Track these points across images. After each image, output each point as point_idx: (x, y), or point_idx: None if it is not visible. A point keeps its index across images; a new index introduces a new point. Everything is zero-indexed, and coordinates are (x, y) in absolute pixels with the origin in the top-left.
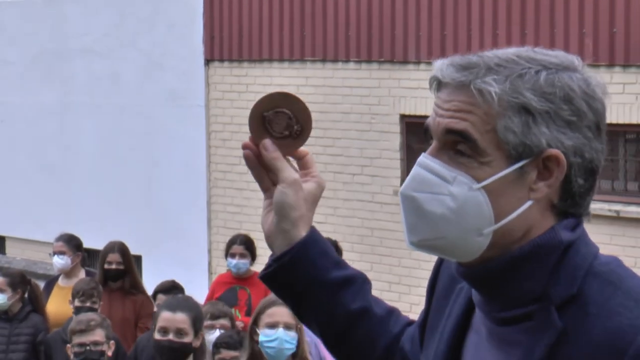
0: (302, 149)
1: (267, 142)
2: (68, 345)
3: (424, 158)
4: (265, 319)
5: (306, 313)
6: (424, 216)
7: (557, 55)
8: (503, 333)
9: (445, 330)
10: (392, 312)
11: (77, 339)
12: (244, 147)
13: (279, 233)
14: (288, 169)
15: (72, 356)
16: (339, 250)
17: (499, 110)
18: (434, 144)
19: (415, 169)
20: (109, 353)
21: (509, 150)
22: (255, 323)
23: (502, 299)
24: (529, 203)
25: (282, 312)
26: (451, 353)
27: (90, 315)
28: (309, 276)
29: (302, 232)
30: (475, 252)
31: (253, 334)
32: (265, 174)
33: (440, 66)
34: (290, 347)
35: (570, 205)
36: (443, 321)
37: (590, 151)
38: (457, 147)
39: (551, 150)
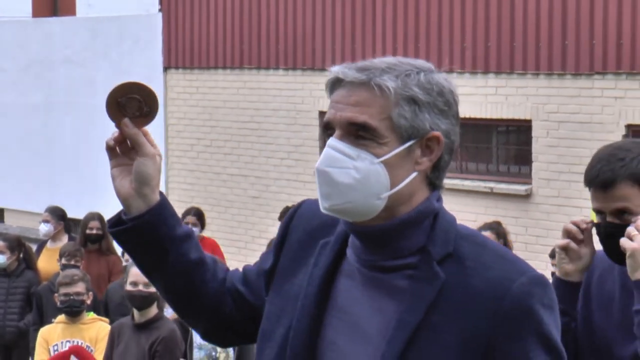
0: (144, 129)
1: (127, 120)
2: (55, 294)
3: (332, 141)
4: None
5: (155, 266)
6: (335, 186)
7: (422, 62)
8: (383, 279)
9: (315, 275)
10: (216, 260)
11: (62, 290)
12: (109, 141)
13: (139, 197)
14: (148, 145)
15: (58, 304)
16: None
17: (394, 101)
18: (337, 132)
19: (326, 150)
20: (88, 302)
21: (402, 133)
22: None
23: (387, 251)
24: (414, 174)
25: None
26: (321, 294)
27: (73, 271)
28: (162, 231)
29: (158, 197)
30: (373, 213)
31: None
32: (121, 153)
33: (340, 69)
34: None
35: (437, 177)
36: (308, 269)
37: (454, 134)
38: (358, 133)
39: (434, 132)
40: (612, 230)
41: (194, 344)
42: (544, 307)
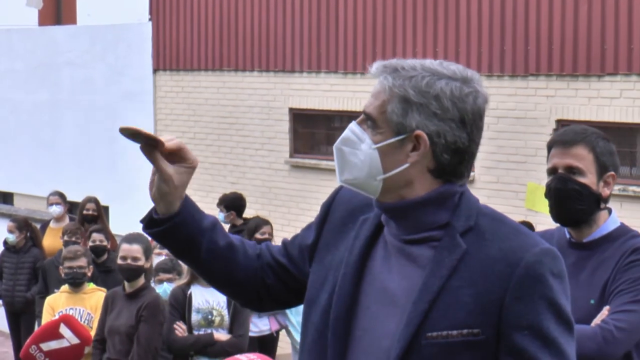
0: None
1: (162, 139)
2: (60, 267)
3: (352, 124)
4: None
5: (189, 257)
6: (346, 163)
7: (454, 70)
8: (411, 250)
9: (355, 246)
10: (242, 241)
11: (67, 264)
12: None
13: (175, 194)
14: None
15: (63, 275)
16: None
17: (390, 98)
18: (360, 117)
19: (345, 131)
20: (89, 274)
21: (393, 127)
22: None
23: (410, 225)
24: (405, 165)
25: None
26: (360, 262)
27: (77, 247)
28: (192, 227)
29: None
30: (376, 192)
31: None
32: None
33: (375, 64)
34: None
35: (445, 172)
36: (349, 241)
37: (452, 136)
38: (368, 121)
39: (418, 131)
40: (562, 182)
41: (192, 308)
42: (554, 275)
